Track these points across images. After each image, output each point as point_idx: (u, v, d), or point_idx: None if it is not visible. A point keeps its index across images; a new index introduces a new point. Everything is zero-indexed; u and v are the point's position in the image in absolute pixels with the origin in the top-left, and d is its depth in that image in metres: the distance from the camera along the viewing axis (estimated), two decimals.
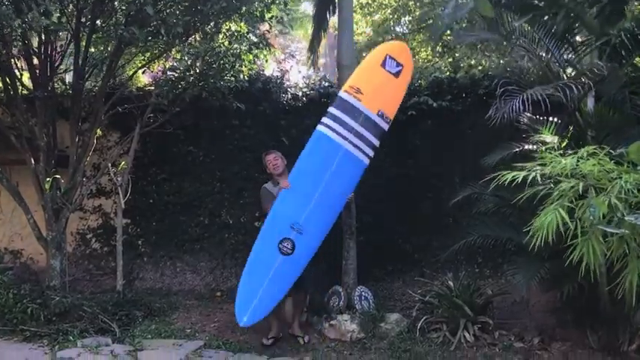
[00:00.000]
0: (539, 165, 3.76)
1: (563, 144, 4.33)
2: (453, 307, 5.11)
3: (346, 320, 5.07)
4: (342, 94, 5.00)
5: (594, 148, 3.34)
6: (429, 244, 6.43)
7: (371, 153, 4.96)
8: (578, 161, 3.33)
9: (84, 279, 6.78)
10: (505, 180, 3.85)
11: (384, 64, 5.04)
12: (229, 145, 6.78)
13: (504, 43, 5.52)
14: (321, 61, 12.20)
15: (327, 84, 6.77)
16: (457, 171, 6.34)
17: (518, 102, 4.52)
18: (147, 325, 5.23)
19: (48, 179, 5.29)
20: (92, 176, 6.51)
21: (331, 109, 4.98)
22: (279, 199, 4.81)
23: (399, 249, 6.47)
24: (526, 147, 4.97)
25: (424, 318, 5.18)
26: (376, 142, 4.98)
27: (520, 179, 3.82)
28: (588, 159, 3.25)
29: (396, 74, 5.06)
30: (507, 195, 5.03)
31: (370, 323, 5.12)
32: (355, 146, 4.89)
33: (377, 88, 5.02)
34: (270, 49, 5.66)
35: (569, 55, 5.09)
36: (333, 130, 4.88)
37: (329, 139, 4.87)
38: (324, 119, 4.96)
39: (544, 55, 5.09)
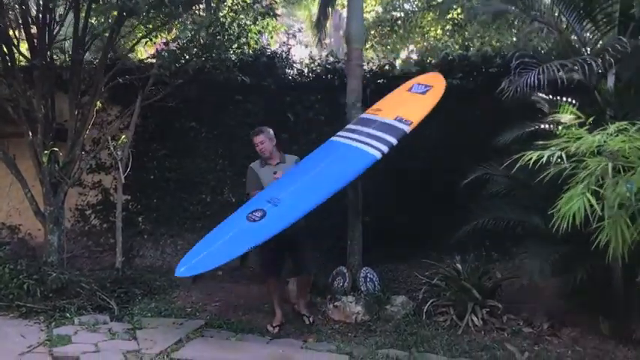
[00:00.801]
0: (563, 143, 3.55)
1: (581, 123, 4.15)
2: (460, 290, 4.98)
3: (351, 302, 4.94)
4: (362, 114, 4.78)
5: (626, 124, 3.15)
6: (437, 226, 6.24)
7: (384, 149, 4.54)
8: (605, 138, 3.14)
9: (82, 256, 6.65)
10: (522, 161, 3.67)
11: (410, 89, 4.90)
12: (232, 121, 6.61)
13: (523, 15, 5.28)
14: (326, 41, 11.95)
15: (333, 59, 6.56)
16: (467, 151, 6.14)
17: (534, 76, 4.31)
18: (146, 303, 5.10)
19: (45, 152, 5.12)
20: (92, 151, 6.36)
21: (348, 125, 4.79)
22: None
23: (405, 231, 6.28)
24: (541, 126, 4.81)
25: (431, 301, 5.06)
26: (393, 141, 4.56)
27: (534, 159, 3.63)
28: (617, 135, 3.06)
29: (423, 92, 4.85)
30: (520, 176, 4.91)
31: (375, 305, 5.00)
32: (363, 142, 4.61)
33: (398, 103, 4.82)
34: (276, 18, 5.44)
35: (591, 31, 4.88)
36: (343, 136, 4.73)
37: (336, 143, 4.70)
38: (339, 132, 4.75)
39: (564, 29, 4.88)
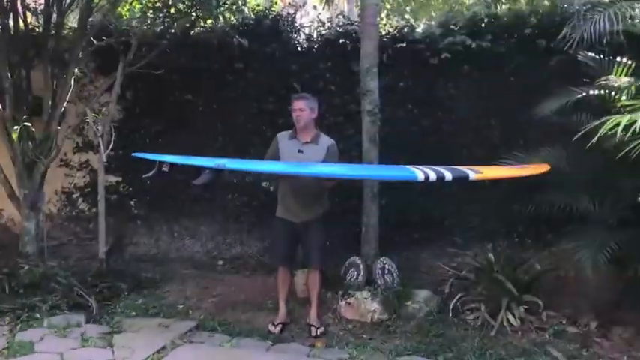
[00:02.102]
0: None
1: None
2: (493, 284, 4.30)
3: (366, 298, 4.27)
4: None
5: None
6: (462, 210, 5.56)
7: (432, 177, 3.34)
8: None
9: (70, 243, 6.08)
10: (605, 128, 2.97)
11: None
12: (232, 92, 5.92)
13: None
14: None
15: (345, 21, 5.81)
16: (497, 124, 5.46)
17: (604, 18, 3.58)
18: (132, 299, 4.49)
19: (16, 127, 4.47)
20: (79, 128, 5.74)
21: None
22: None
23: (426, 214, 5.59)
24: (590, 92, 4.10)
25: (459, 296, 4.40)
26: (447, 175, 3.38)
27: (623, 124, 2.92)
28: None
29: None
30: (564, 152, 4.21)
31: (394, 301, 4.33)
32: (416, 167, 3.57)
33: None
34: None
35: None
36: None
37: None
38: None
39: None
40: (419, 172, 3.32)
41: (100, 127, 4.67)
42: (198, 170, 4.23)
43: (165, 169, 4.07)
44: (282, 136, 4.16)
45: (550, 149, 4.37)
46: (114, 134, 4.91)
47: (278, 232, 4.25)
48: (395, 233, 5.46)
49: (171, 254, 6.00)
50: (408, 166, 3.65)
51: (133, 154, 4.38)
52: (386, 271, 4.59)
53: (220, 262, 5.76)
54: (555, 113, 4.35)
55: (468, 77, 5.49)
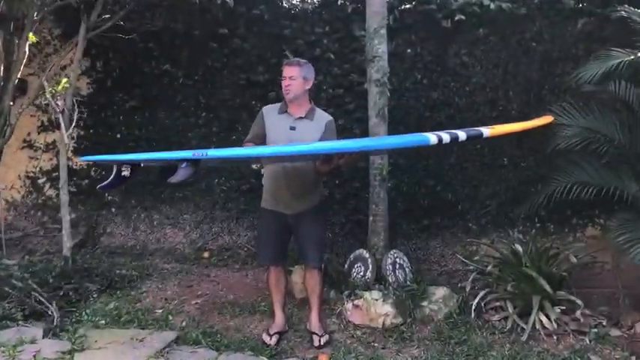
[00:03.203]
0: None
1: None
2: (522, 280, 3.71)
3: (377, 299, 3.65)
4: None
5: None
6: (477, 192, 4.96)
7: (446, 138, 2.99)
8: None
9: (36, 235, 5.41)
10: None
11: None
12: (217, 62, 5.26)
13: None
14: None
15: None
16: (517, 96, 4.85)
17: None
18: (103, 302, 3.85)
19: None
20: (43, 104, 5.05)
21: None
22: None
23: (437, 197, 4.99)
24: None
25: (482, 294, 3.80)
26: (462, 135, 3.14)
27: None
28: None
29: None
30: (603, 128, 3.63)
31: (409, 302, 3.72)
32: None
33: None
34: None
35: None
36: None
37: None
38: None
39: None
40: (432, 136, 2.87)
41: (60, 103, 3.96)
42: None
43: (125, 172, 2.94)
44: (270, 110, 3.42)
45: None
46: (77, 110, 4.21)
47: (266, 227, 3.52)
48: (401, 219, 4.89)
49: (150, 246, 5.36)
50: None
51: (82, 158, 3.64)
52: (397, 266, 3.98)
53: (206, 254, 5.13)
54: (592, 82, 3.78)
55: (485, 43, 4.90)
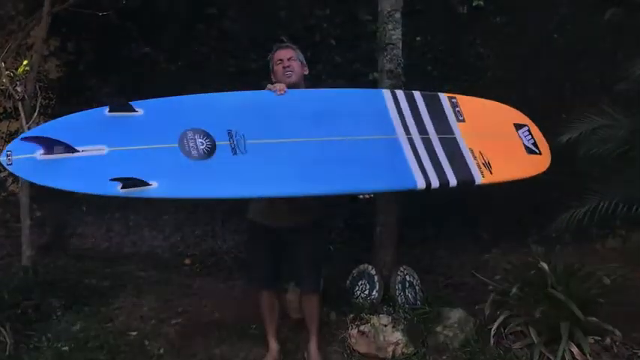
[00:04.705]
0: None
1: None
2: (548, 304, 3.27)
3: (385, 325, 3.18)
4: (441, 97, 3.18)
5: None
6: (489, 196, 4.53)
7: (435, 184, 2.90)
8: None
9: None
10: None
11: (519, 128, 3.47)
12: (204, 46, 4.79)
13: None
14: None
15: None
16: (536, 93, 4.49)
17: None
18: (68, 322, 3.33)
19: None
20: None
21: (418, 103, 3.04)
22: None
23: (444, 202, 4.56)
24: None
25: (501, 319, 3.35)
26: (452, 181, 2.98)
27: None
28: None
29: (528, 150, 3.37)
30: None
31: (421, 327, 3.26)
32: (417, 159, 2.89)
33: (491, 132, 3.35)
34: None
35: None
36: (400, 114, 2.93)
37: (387, 117, 2.80)
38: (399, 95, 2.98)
39: None
40: (421, 180, 2.79)
41: (19, 88, 3.39)
42: None
43: None
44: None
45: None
46: (40, 96, 3.67)
47: (254, 244, 3.02)
48: (401, 225, 4.46)
49: (125, 249, 4.86)
50: (407, 157, 2.84)
51: None
52: (407, 285, 3.52)
53: (188, 261, 4.64)
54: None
55: (502, 32, 4.50)
